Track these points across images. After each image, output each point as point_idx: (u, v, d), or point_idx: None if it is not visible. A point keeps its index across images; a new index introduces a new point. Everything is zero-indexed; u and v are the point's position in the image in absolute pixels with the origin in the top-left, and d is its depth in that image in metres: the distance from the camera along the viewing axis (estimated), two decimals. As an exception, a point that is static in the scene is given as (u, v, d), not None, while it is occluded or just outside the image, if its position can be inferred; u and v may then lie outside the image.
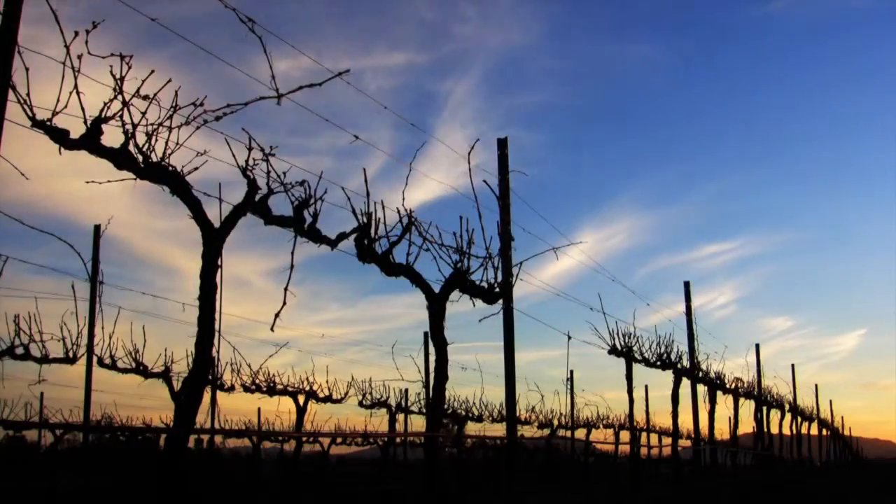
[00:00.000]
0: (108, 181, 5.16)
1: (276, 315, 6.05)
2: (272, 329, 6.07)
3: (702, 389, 20.49)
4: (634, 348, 14.61)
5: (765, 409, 28.21)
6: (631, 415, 14.92)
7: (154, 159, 5.16)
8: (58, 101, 4.68)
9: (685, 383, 18.34)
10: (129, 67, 4.93)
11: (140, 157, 5.12)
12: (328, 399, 17.77)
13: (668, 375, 17.30)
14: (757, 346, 30.17)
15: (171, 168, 5.23)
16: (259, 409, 24.40)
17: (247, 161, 5.82)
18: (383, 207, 7.33)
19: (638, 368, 14.87)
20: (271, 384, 16.29)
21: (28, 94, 4.55)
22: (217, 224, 5.51)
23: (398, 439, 22.04)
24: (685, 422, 20.01)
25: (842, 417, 54.82)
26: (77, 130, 4.84)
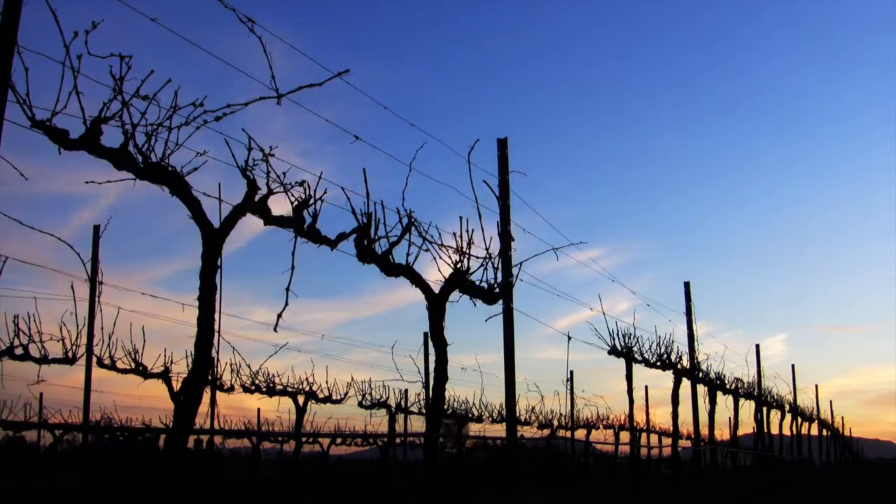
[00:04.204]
0: (108, 181, 5.16)
1: (279, 315, 6.06)
2: (275, 329, 6.07)
3: (702, 390, 20.50)
4: (634, 349, 14.60)
5: (765, 409, 28.22)
6: (631, 415, 14.91)
7: (154, 159, 5.16)
8: (57, 101, 4.68)
9: (685, 383, 18.34)
10: (129, 67, 4.93)
11: (140, 158, 5.11)
12: (328, 399, 17.78)
13: (669, 375, 17.30)
14: (757, 346, 30.22)
15: (170, 168, 5.23)
16: (259, 410, 24.43)
17: (246, 161, 5.82)
18: (383, 207, 7.34)
19: (638, 369, 14.87)
20: (271, 384, 16.30)
21: (28, 94, 4.55)
22: (217, 224, 5.50)
23: (398, 439, 22.04)
24: (685, 422, 20.04)
25: (842, 418, 54.89)
26: (77, 130, 4.84)
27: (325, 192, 6.50)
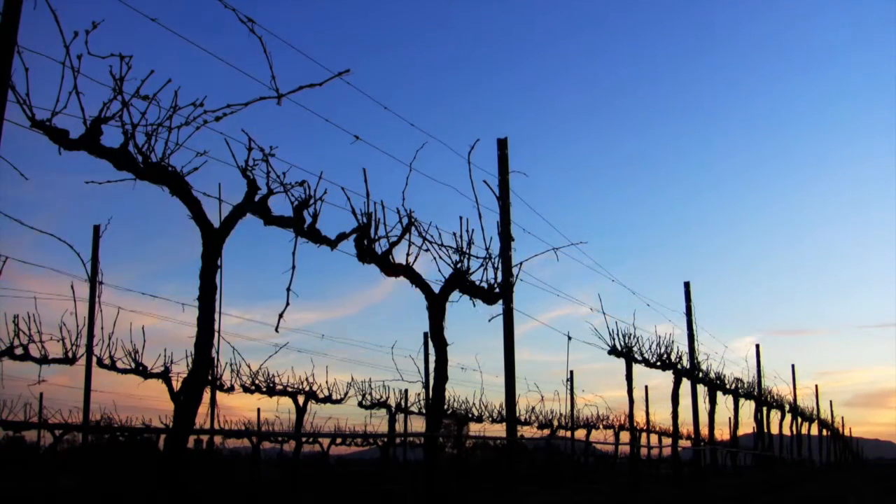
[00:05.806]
0: (108, 181, 5.16)
1: (280, 315, 6.06)
2: (277, 329, 6.08)
3: (702, 390, 20.50)
4: (634, 349, 14.60)
5: (765, 409, 28.22)
6: (631, 415, 14.91)
7: (154, 160, 5.15)
8: (57, 100, 4.68)
9: (685, 383, 18.34)
10: (129, 67, 4.93)
11: (140, 158, 5.11)
12: (328, 399, 17.78)
13: (669, 375, 17.29)
14: (757, 346, 30.23)
15: (170, 168, 5.23)
16: (259, 410, 24.46)
17: (246, 161, 5.82)
18: (383, 207, 7.34)
19: (638, 369, 14.87)
20: (271, 384, 16.29)
21: (28, 94, 4.55)
22: (217, 224, 5.50)
23: (398, 439, 22.05)
24: (685, 422, 20.04)
25: (842, 418, 54.90)
26: (77, 130, 4.84)
27: (325, 193, 6.51)
